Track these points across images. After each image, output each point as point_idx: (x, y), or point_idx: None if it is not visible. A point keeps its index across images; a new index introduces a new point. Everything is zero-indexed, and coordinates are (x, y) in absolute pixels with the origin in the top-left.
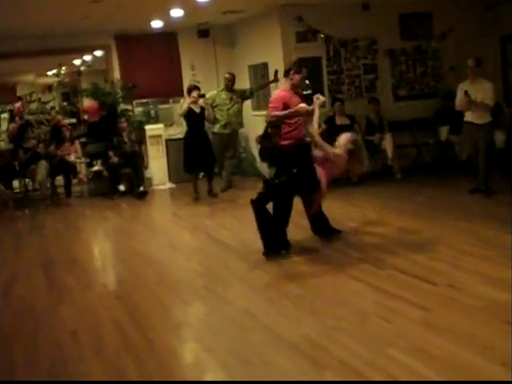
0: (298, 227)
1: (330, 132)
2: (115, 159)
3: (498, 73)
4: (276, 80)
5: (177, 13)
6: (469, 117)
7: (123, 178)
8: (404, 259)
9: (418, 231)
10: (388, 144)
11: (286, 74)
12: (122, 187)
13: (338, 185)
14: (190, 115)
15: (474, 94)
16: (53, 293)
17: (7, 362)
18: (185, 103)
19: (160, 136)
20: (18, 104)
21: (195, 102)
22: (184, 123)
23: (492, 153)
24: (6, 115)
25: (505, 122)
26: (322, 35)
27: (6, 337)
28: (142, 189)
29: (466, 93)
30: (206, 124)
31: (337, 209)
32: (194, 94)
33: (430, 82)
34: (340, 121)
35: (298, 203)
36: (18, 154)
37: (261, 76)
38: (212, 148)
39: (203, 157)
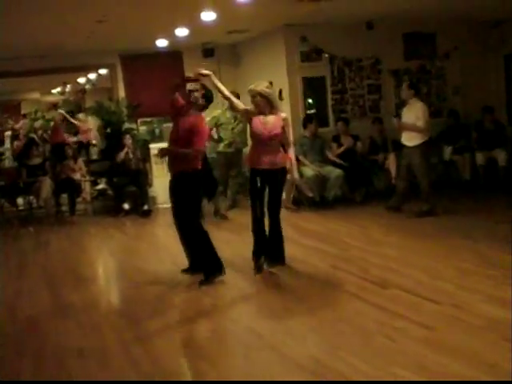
0: (299, 245)
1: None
2: (121, 155)
3: (501, 91)
4: (280, 99)
5: (182, 32)
6: (402, 139)
7: (128, 196)
8: (407, 278)
9: (422, 250)
10: (392, 164)
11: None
12: (126, 206)
13: (342, 204)
14: None
15: (407, 116)
16: (58, 310)
17: (13, 380)
18: None
19: None
20: (19, 124)
21: None
22: None
23: (428, 172)
24: (9, 133)
25: (507, 139)
26: (327, 55)
27: (12, 354)
28: (146, 207)
29: (394, 117)
30: (208, 144)
31: (340, 227)
32: None
33: (434, 102)
34: (344, 141)
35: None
36: (22, 173)
37: None
38: (211, 170)
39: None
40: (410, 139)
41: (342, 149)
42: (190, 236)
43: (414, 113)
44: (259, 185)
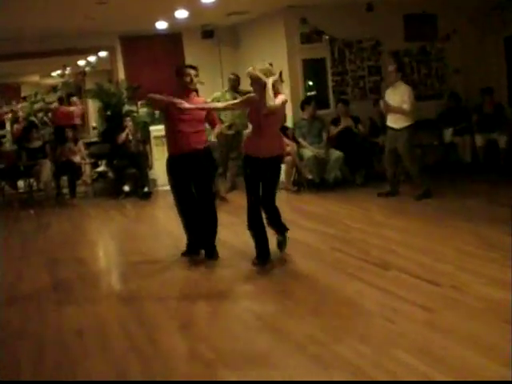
0: (299, 227)
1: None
2: (123, 136)
3: (502, 74)
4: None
5: (181, 14)
6: (388, 121)
7: (128, 178)
8: (408, 260)
9: (423, 232)
10: None
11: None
12: (126, 188)
13: (342, 186)
14: None
15: (393, 99)
16: (58, 292)
17: (13, 361)
18: None
19: (165, 137)
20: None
21: None
22: None
23: (415, 155)
24: (9, 116)
25: (507, 122)
26: (327, 36)
27: (12, 336)
28: (146, 189)
29: (380, 98)
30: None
31: (341, 209)
32: None
33: (434, 84)
34: (345, 122)
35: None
36: (22, 156)
37: None
38: (211, 152)
39: None
40: (396, 122)
41: (338, 128)
42: (208, 213)
43: (400, 95)
44: (250, 171)
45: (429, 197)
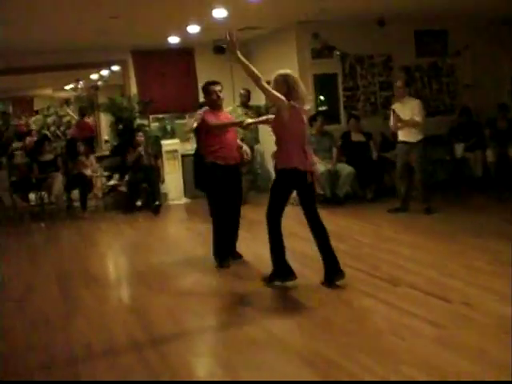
0: (310, 242)
1: (345, 148)
2: (133, 157)
3: None
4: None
5: (193, 29)
6: (401, 136)
7: (141, 192)
8: (418, 276)
9: (433, 248)
10: None
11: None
12: (139, 203)
13: (353, 201)
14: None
15: (403, 113)
16: (67, 305)
17: (22, 373)
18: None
19: (176, 151)
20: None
21: None
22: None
23: (426, 171)
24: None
25: None
26: (338, 52)
27: (22, 348)
28: (157, 203)
29: (393, 111)
30: None
31: (351, 225)
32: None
33: (445, 99)
34: (356, 137)
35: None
36: (33, 169)
37: None
38: None
39: None
40: (410, 135)
41: (338, 143)
42: (237, 221)
43: (410, 109)
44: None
45: (432, 212)
